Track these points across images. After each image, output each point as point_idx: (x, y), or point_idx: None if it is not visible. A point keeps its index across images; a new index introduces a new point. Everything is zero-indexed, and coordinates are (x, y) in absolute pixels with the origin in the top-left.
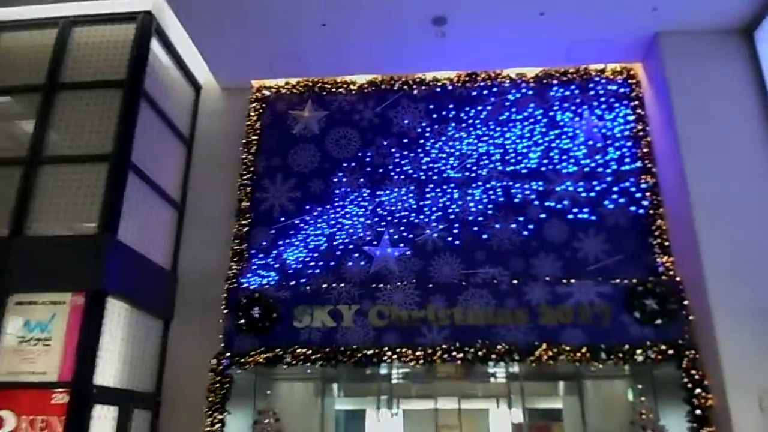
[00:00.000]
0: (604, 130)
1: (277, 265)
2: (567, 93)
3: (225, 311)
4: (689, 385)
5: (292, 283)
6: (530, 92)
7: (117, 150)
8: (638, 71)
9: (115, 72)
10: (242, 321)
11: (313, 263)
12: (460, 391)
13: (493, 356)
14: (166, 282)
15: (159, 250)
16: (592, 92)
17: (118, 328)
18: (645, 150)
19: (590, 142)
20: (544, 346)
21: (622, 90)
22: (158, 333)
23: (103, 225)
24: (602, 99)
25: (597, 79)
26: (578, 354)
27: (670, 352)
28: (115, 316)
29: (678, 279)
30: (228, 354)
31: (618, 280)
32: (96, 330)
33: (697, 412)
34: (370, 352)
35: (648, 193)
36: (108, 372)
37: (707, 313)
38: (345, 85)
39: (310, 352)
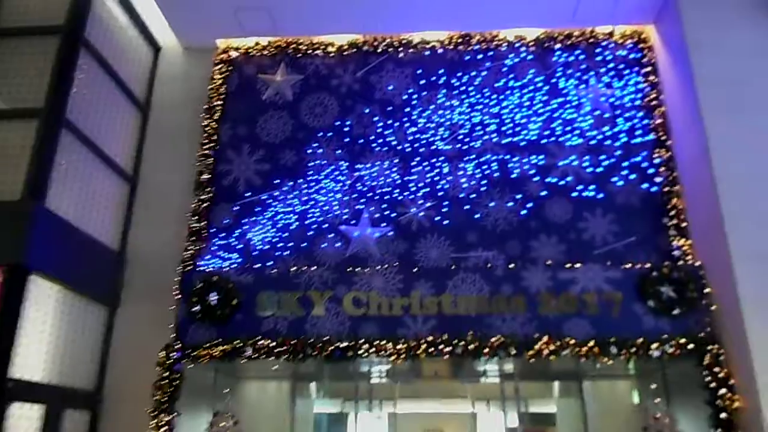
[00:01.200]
0: (612, 99)
1: (240, 246)
2: (571, 58)
3: (178, 297)
4: (712, 385)
5: (257, 266)
6: (530, 57)
7: (49, 104)
8: (650, 35)
9: (53, 17)
10: (197, 308)
11: (281, 244)
12: (449, 391)
13: (487, 350)
14: (113, 263)
15: (105, 226)
16: (599, 57)
17: (46, 313)
18: (659, 121)
19: (597, 112)
20: (545, 339)
21: (632, 55)
22: (101, 322)
23: (28, 190)
24: (610, 65)
25: (605, 43)
26: (584, 348)
27: (690, 346)
28: (44, 299)
29: (698, 263)
30: (179, 346)
31: (630, 265)
32: (14, 313)
33: (722, 415)
34: (344, 344)
35: (662, 169)
36: (32, 364)
37: (733, 301)
38: (322, 47)
39: (274, 344)
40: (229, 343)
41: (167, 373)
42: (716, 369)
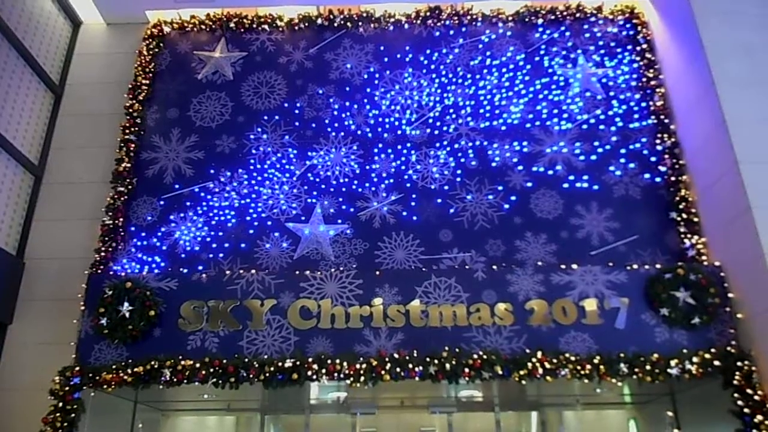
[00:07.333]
0: (604, 80)
1: (164, 247)
2: (556, 35)
3: (83, 308)
4: (746, 410)
5: (184, 270)
6: (509, 33)
7: None
8: (643, 9)
9: None
10: (105, 320)
11: (215, 245)
12: (415, 425)
13: (467, 371)
14: (8, 269)
15: (1, 225)
16: (587, 35)
17: None
18: (659, 103)
19: (588, 94)
20: (539, 355)
21: (624, 33)
22: None
23: None
24: (600, 43)
25: (593, 19)
26: (588, 366)
27: (716, 363)
28: None
29: (717, 264)
30: (78, 368)
31: (636, 266)
32: None
33: None
34: (288, 364)
35: (666, 156)
36: None
37: (765, 308)
38: (270, 21)
39: (199, 365)
40: (143, 364)
41: (61, 403)
42: (749, 391)
